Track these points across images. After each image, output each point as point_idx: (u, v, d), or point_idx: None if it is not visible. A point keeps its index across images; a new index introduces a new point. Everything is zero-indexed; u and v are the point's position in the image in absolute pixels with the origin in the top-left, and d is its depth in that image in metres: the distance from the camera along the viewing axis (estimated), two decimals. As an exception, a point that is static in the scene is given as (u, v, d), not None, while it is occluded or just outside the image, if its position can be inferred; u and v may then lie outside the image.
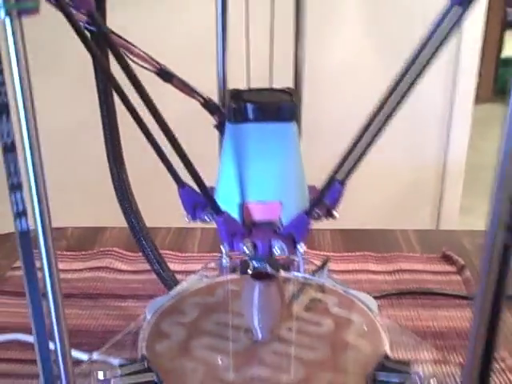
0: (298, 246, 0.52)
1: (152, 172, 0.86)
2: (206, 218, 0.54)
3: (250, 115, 0.50)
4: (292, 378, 0.55)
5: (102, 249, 0.95)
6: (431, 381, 0.54)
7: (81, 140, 1.65)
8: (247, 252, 0.51)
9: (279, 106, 0.51)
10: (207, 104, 0.55)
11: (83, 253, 0.93)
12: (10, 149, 0.42)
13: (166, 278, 0.72)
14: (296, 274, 0.71)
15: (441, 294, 0.84)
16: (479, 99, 3.72)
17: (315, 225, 0.75)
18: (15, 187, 0.42)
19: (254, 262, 0.57)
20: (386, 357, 0.57)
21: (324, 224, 0.95)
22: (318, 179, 0.54)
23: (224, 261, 0.54)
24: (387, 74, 0.50)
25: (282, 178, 0.52)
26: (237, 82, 0.59)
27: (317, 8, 1.04)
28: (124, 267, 0.91)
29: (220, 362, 0.57)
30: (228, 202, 0.53)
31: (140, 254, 0.92)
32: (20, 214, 0.43)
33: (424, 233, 1.07)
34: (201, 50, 1.06)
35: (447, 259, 0.94)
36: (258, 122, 0.50)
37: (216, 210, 0.50)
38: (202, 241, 1.01)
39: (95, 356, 0.62)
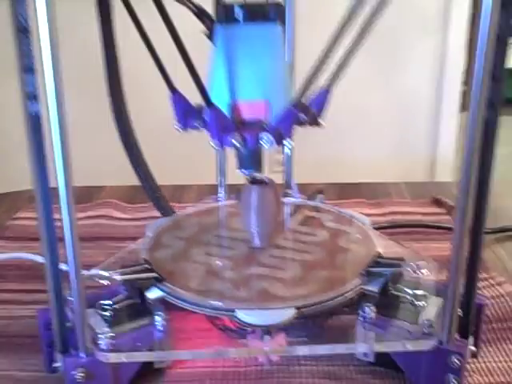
0: (285, 142, 0.54)
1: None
2: (196, 125, 0.56)
3: (238, 15, 0.53)
4: (289, 275, 0.57)
5: (100, 201, 0.97)
6: (423, 270, 0.57)
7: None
8: (237, 145, 0.53)
9: (266, 7, 0.54)
10: (199, 12, 0.57)
11: (82, 205, 0.95)
12: (23, 30, 0.44)
13: (164, 205, 0.73)
14: (291, 198, 0.74)
15: (432, 226, 0.86)
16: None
17: (308, 179, 0.76)
18: (27, 69, 0.44)
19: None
20: (379, 255, 0.60)
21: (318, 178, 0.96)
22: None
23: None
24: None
25: (269, 78, 0.54)
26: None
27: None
28: (122, 216, 0.93)
29: (220, 264, 0.59)
30: (218, 102, 0.55)
31: (137, 205, 0.95)
32: (30, 96, 0.45)
33: (415, 184, 1.09)
34: None
35: (437, 203, 0.97)
36: (245, 23, 0.53)
37: (207, 102, 0.52)
38: (199, 196, 1.03)
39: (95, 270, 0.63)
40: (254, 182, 0.60)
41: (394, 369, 0.57)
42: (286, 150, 0.76)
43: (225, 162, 0.77)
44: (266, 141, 0.53)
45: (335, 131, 1.31)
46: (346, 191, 1.06)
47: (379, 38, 1.66)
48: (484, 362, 0.60)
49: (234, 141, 0.53)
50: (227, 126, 0.53)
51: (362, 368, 0.59)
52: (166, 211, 0.72)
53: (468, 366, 0.59)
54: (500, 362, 0.60)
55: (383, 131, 1.61)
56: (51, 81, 0.43)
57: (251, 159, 0.57)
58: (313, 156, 1.26)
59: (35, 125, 0.46)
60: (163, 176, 0.83)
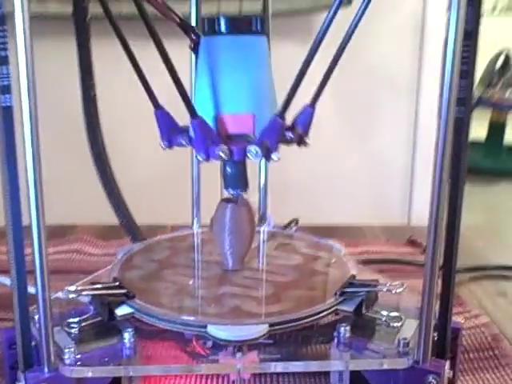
0: (273, 155, 0.54)
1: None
2: (182, 141, 0.55)
3: (223, 28, 0.54)
4: (263, 294, 0.56)
5: (73, 236, 0.96)
6: (399, 290, 0.56)
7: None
8: (223, 157, 0.52)
9: (250, 19, 0.54)
10: (182, 24, 0.57)
11: (54, 241, 0.93)
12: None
13: (135, 232, 0.72)
14: (265, 227, 0.73)
15: (406, 262, 0.86)
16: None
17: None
18: (1, 61, 0.44)
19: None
20: (354, 277, 0.59)
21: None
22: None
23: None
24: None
25: (254, 91, 0.55)
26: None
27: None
28: (94, 251, 0.91)
29: (191, 283, 0.58)
30: (203, 116, 0.54)
31: (110, 241, 0.93)
32: (3, 89, 0.44)
33: (391, 228, 1.09)
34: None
35: (412, 243, 0.97)
36: (230, 35, 0.54)
37: (192, 114, 0.52)
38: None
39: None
40: (228, 200, 0.59)
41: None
42: (262, 180, 0.76)
43: (199, 193, 0.76)
44: (254, 154, 0.53)
45: (310, 196, 1.33)
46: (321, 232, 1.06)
47: (352, 101, 1.70)
48: (461, 390, 0.59)
49: (220, 153, 0.53)
50: (213, 138, 0.53)
51: (336, 395, 0.57)
52: (136, 237, 0.71)
53: (445, 394, 0.57)
54: (477, 389, 0.59)
55: (357, 195, 1.62)
56: (27, 119, 0.43)
57: (238, 178, 0.57)
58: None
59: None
60: (137, 216, 0.82)
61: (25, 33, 0.42)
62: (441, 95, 0.46)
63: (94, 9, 0.58)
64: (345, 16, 0.53)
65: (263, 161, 0.74)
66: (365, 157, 1.68)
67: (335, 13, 0.49)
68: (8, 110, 0.43)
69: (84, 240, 0.94)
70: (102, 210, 0.85)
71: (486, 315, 0.71)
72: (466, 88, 0.47)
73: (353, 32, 0.53)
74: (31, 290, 0.50)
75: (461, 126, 0.48)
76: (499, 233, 1.14)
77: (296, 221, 0.76)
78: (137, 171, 1.15)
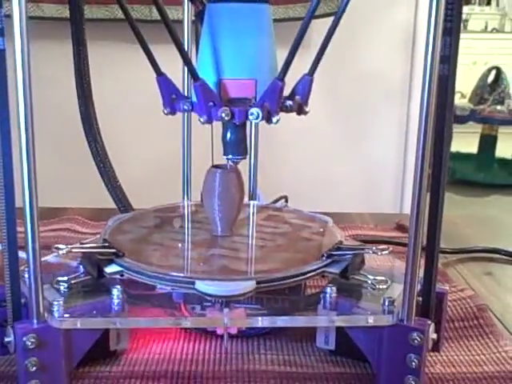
0: (273, 118, 0.55)
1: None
2: (184, 107, 0.56)
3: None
4: (251, 255, 0.57)
5: (64, 216, 0.96)
6: (384, 252, 0.57)
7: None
8: (226, 118, 0.53)
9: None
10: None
11: (45, 221, 0.94)
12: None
13: (125, 203, 0.72)
14: (255, 201, 0.74)
15: (395, 243, 0.86)
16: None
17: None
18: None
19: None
20: (341, 242, 0.60)
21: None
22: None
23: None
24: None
25: (257, 57, 0.56)
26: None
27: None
28: (84, 230, 0.92)
29: (180, 245, 0.59)
30: (206, 80, 0.55)
31: (101, 222, 0.94)
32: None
33: (381, 215, 1.10)
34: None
35: (401, 228, 0.98)
36: (234, 2, 0.55)
37: (194, 77, 0.53)
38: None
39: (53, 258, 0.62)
40: (217, 167, 0.60)
41: (354, 358, 0.57)
42: (252, 158, 0.77)
43: (190, 170, 0.77)
44: (255, 116, 0.54)
45: (303, 196, 1.35)
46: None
47: (346, 106, 1.70)
48: (446, 356, 0.59)
49: (222, 114, 0.53)
50: (215, 100, 0.54)
51: (323, 357, 0.58)
52: (126, 208, 0.72)
53: (430, 358, 0.58)
54: (462, 355, 0.59)
55: (351, 194, 1.64)
56: (23, 110, 0.45)
57: (238, 144, 0.58)
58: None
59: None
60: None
61: (22, 35, 0.44)
62: (426, 53, 0.47)
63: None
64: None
65: (253, 136, 0.75)
66: (358, 159, 1.70)
67: None
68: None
69: (75, 220, 0.95)
70: (94, 195, 0.87)
71: (471, 289, 0.72)
72: (451, 45, 0.48)
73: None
74: (22, 255, 0.51)
75: (445, 83, 0.49)
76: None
77: (286, 198, 0.77)
78: (133, 168, 1.16)
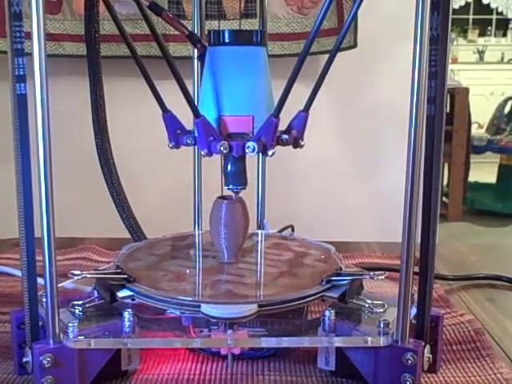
0: (269, 151, 0.59)
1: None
2: (187, 141, 0.61)
3: (227, 39, 0.60)
4: (254, 281, 0.60)
5: (81, 246, 1.00)
6: (381, 277, 0.60)
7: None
8: (224, 151, 0.58)
9: (251, 32, 0.60)
10: (191, 35, 0.63)
11: (63, 250, 0.98)
12: (16, 18, 0.50)
13: (138, 231, 0.76)
14: (260, 231, 0.78)
15: (396, 270, 0.88)
16: (450, 218, 3.92)
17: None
18: (19, 52, 0.49)
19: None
20: (341, 268, 0.63)
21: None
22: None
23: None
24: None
25: (254, 95, 0.60)
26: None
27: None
28: (101, 259, 0.96)
29: (188, 271, 0.62)
30: (207, 117, 0.60)
31: (117, 252, 0.98)
32: (20, 78, 0.50)
33: (389, 244, 1.13)
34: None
35: (407, 256, 1.00)
36: (233, 45, 0.60)
37: (195, 114, 0.58)
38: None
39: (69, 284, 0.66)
40: (223, 198, 0.64)
41: (353, 378, 0.59)
42: (260, 188, 0.81)
43: (200, 200, 0.81)
44: (252, 149, 0.58)
45: (313, 229, 1.38)
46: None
47: (359, 140, 1.73)
48: (443, 377, 0.62)
49: (221, 148, 0.58)
50: (215, 135, 0.59)
51: (324, 378, 0.60)
52: (139, 237, 0.76)
53: (428, 380, 0.61)
54: (458, 376, 0.62)
55: (362, 227, 1.66)
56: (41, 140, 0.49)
57: (238, 175, 0.62)
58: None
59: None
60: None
61: (41, 72, 0.48)
62: (411, 94, 0.50)
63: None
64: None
65: (261, 168, 0.79)
66: (369, 189, 1.73)
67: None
68: (23, 98, 0.49)
69: (92, 249, 0.99)
70: (109, 226, 0.90)
71: (470, 314, 0.75)
72: (436, 87, 0.52)
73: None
74: (40, 281, 0.54)
75: (432, 123, 0.52)
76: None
77: (292, 227, 0.80)
78: (147, 199, 1.20)
